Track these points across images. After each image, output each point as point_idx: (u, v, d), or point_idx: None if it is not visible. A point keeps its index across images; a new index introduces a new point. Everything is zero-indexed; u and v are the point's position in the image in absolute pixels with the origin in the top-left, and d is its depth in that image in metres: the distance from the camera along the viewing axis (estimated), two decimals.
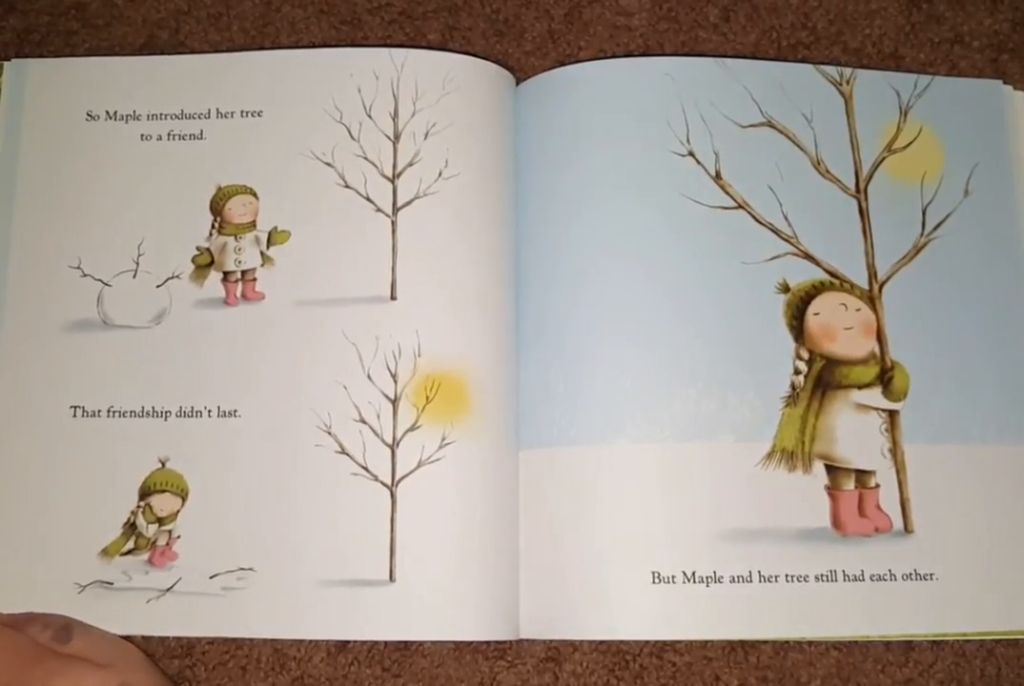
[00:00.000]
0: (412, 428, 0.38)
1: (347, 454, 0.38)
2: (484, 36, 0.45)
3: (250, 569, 0.37)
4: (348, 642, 0.38)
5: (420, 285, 0.40)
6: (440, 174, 0.40)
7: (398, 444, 0.38)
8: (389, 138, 0.41)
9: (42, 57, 0.44)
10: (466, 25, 0.45)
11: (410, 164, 0.41)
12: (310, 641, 0.38)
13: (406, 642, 0.38)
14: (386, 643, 0.38)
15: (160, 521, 0.38)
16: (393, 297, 0.40)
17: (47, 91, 0.43)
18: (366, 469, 0.38)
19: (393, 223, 0.40)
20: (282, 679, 0.38)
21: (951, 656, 0.38)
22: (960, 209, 0.42)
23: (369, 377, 0.39)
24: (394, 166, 0.41)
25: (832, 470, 0.38)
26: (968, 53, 0.45)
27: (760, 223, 0.41)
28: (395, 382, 0.39)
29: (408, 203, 0.40)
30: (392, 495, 0.38)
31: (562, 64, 0.42)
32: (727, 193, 0.41)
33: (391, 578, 0.37)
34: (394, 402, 0.39)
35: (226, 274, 0.41)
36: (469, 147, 0.41)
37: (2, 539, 0.38)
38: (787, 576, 0.37)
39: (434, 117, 0.41)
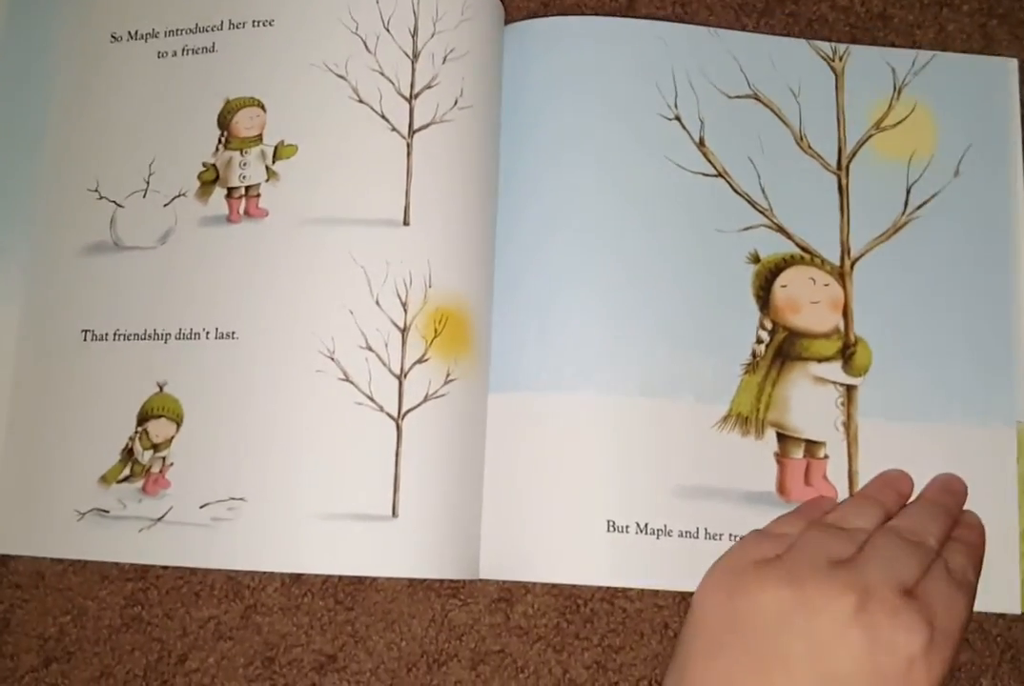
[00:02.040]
0: (420, 360, 0.37)
1: (351, 382, 0.37)
2: None
3: (241, 499, 0.36)
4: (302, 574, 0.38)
5: (434, 213, 0.38)
6: (456, 103, 0.39)
7: (406, 375, 0.37)
8: (407, 56, 0.39)
9: None
10: None
11: (428, 86, 0.39)
12: (264, 571, 0.38)
13: (360, 576, 0.38)
14: (340, 577, 0.38)
15: (155, 447, 0.37)
16: (406, 222, 0.38)
17: (74, 16, 0.41)
18: (371, 399, 0.36)
19: (408, 145, 0.38)
20: (235, 607, 0.38)
21: None
22: (947, 190, 0.41)
23: (378, 303, 0.37)
24: (411, 85, 0.39)
25: (783, 438, 0.39)
26: (957, 17, 0.44)
27: (737, 193, 0.41)
28: (405, 311, 0.37)
29: (425, 127, 0.39)
30: (398, 427, 0.36)
31: (545, 7, 0.41)
32: (708, 160, 0.41)
33: (394, 513, 0.36)
34: (403, 331, 0.37)
35: (230, 190, 0.39)
36: (481, 79, 0.40)
37: (12, 465, 0.37)
38: (731, 535, 0.38)
39: (452, 42, 0.39)
